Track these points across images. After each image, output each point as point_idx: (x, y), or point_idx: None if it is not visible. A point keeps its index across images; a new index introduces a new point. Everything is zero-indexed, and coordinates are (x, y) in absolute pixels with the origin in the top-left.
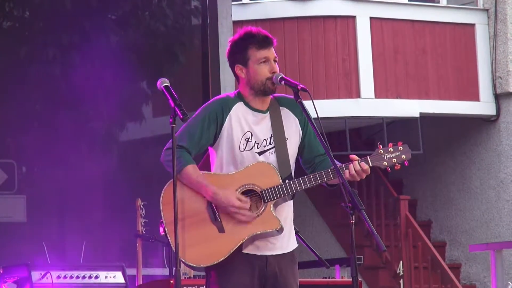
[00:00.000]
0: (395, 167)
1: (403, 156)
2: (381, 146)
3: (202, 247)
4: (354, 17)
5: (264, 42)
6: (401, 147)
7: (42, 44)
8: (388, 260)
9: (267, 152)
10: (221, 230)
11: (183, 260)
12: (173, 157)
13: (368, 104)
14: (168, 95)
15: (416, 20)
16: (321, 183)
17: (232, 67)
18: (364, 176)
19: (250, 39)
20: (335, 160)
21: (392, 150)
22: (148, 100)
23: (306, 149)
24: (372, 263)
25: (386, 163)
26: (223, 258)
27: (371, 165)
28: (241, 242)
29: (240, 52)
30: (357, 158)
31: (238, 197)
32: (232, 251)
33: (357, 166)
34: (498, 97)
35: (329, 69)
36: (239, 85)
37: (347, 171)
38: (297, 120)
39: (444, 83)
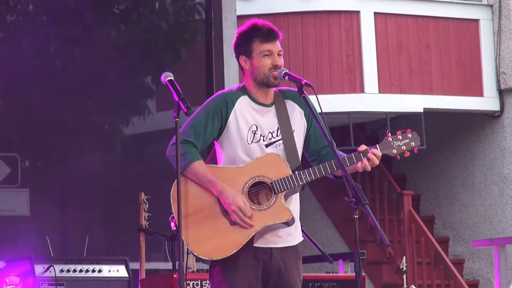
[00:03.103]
0: (404, 155)
1: (412, 143)
2: (389, 134)
3: (214, 240)
4: (358, 12)
5: (268, 35)
6: (410, 134)
7: (45, 38)
8: (391, 255)
9: (274, 144)
10: (232, 223)
11: (195, 253)
12: (177, 152)
13: (371, 99)
14: (172, 89)
15: (420, 16)
16: (331, 173)
17: (237, 58)
18: (377, 162)
19: (255, 32)
20: (337, 153)
21: (401, 137)
22: (152, 94)
23: (312, 141)
24: (375, 258)
25: (395, 150)
26: (235, 251)
27: (380, 153)
28: (253, 234)
29: (244, 44)
30: (366, 147)
31: (245, 201)
32: (244, 243)
33: (371, 155)
34: (502, 93)
35: (333, 64)
36: (244, 77)
37: (359, 163)
38: (302, 112)
39: (448, 79)
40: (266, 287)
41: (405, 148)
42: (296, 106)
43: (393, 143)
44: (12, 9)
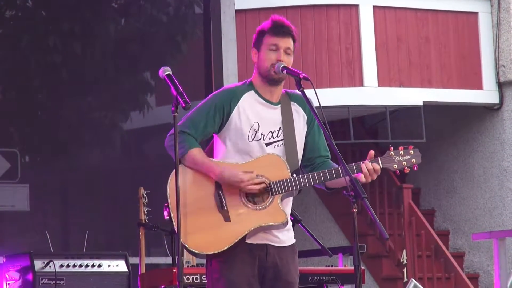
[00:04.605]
0: (404, 170)
1: (413, 160)
2: (392, 148)
3: (206, 234)
4: (357, 5)
5: (278, 30)
6: (412, 151)
7: (44, 33)
8: (391, 249)
9: (274, 144)
10: (226, 219)
11: (186, 245)
12: (175, 144)
13: (371, 93)
14: (170, 84)
15: (419, 9)
16: (330, 180)
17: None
18: (375, 176)
19: (269, 25)
20: (333, 164)
21: (403, 153)
22: (151, 89)
23: (309, 148)
24: (375, 252)
25: (396, 165)
26: (226, 248)
27: (381, 166)
28: (246, 233)
29: (258, 37)
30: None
31: (244, 170)
32: (236, 241)
33: (369, 165)
34: (501, 86)
35: (332, 57)
36: (253, 71)
37: (362, 175)
38: (306, 118)
39: (447, 72)
40: (263, 282)
41: (405, 164)
42: (301, 110)
43: (395, 158)
44: (11, 4)
